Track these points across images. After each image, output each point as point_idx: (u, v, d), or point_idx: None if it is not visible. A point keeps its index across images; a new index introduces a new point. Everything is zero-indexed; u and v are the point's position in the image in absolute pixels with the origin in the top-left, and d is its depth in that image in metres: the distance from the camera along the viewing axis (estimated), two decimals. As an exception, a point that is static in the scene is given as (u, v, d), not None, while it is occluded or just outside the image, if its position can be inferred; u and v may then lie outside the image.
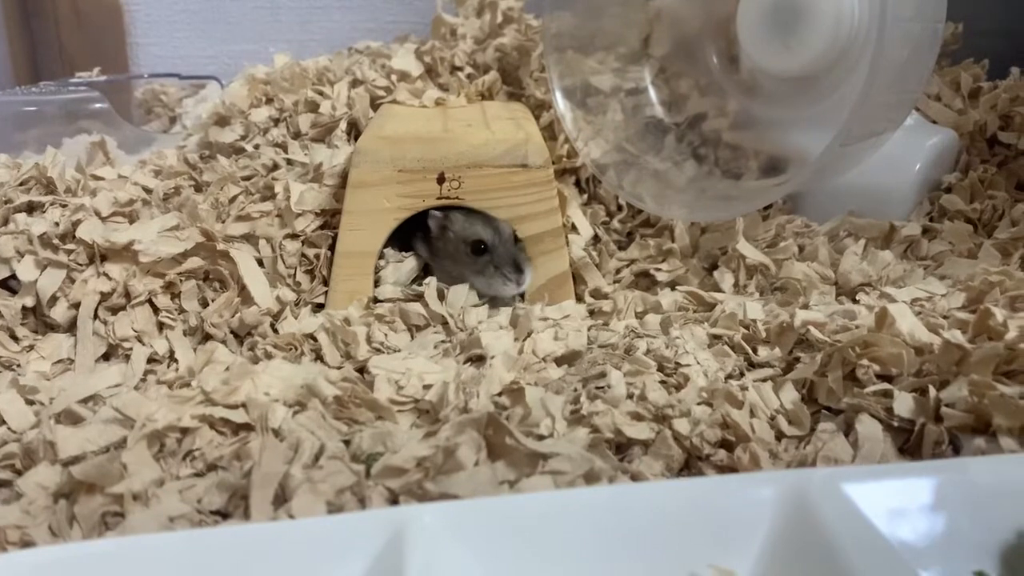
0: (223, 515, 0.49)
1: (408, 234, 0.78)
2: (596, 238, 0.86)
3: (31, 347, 0.67)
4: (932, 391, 0.52)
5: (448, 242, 0.76)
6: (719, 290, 0.76)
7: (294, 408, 0.56)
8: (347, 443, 0.53)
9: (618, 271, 0.83)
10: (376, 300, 0.74)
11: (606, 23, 0.97)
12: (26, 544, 0.45)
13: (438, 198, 0.75)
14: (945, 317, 0.60)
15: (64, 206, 0.72)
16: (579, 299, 0.78)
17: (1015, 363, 0.52)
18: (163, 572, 0.37)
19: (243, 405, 0.55)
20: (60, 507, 0.48)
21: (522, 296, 0.77)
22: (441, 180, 0.74)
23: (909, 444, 0.52)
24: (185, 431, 0.53)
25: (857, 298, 0.69)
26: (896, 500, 0.41)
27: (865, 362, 0.56)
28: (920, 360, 0.55)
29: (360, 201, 0.74)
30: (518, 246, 0.76)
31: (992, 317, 0.55)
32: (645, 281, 0.82)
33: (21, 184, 0.75)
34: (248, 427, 0.54)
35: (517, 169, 0.75)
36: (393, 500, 0.48)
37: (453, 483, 0.47)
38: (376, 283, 0.75)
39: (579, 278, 0.80)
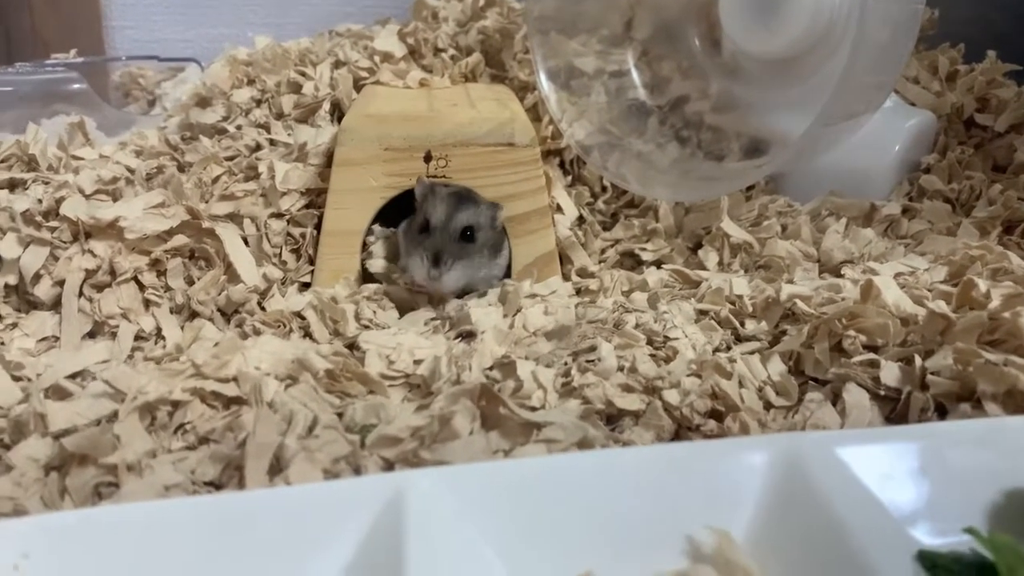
0: (216, 486, 0.48)
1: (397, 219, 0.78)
2: (581, 219, 0.86)
3: (14, 325, 0.66)
4: (918, 360, 0.53)
5: (421, 216, 0.72)
6: (704, 268, 0.77)
7: (285, 382, 0.55)
8: (340, 416, 0.53)
9: (603, 251, 0.84)
10: (367, 273, 0.74)
11: (588, 6, 0.97)
12: (19, 514, 0.45)
13: (425, 177, 0.74)
14: (929, 290, 0.61)
15: (47, 183, 0.72)
16: (565, 278, 0.79)
17: (998, 332, 0.53)
18: (168, 538, 0.37)
19: (234, 379, 0.55)
20: (51, 479, 0.48)
21: (510, 274, 0.77)
22: (428, 159, 0.74)
23: (895, 412, 0.53)
24: (176, 404, 0.53)
25: (842, 272, 0.70)
26: (887, 463, 0.42)
27: (852, 333, 0.56)
28: (905, 330, 0.56)
29: (346, 180, 0.74)
30: (469, 244, 0.71)
31: (975, 288, 0.56)
32: (630, 261, 0.83)
33: (2, 161, 0.74)
34: (239, 401, 0.54)
35: (503, 148, 0.75)
36: (388, 469, 0.48)
37: (448, 451, 0.48)
38: (368, 257, 0.75)
39: (565, 258, 0.81)
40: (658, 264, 0.80)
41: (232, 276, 0.71)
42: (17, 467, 0.47)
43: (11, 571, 0.37)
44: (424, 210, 0.71)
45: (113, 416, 0.51)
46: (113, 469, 0.47)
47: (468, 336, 0.65)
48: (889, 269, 0.67)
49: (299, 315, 0.68)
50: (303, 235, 0.77)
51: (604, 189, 0.90)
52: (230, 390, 0.54)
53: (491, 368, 0.59)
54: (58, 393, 0.56)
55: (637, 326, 0.63)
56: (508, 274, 0.77)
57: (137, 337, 0.66)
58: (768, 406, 0.56)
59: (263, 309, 0.69)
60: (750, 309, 0.65)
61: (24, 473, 0.47)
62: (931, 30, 1.10)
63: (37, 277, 0.67)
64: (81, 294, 0.67)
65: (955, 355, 0.52)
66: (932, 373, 0.52)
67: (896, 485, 0.42)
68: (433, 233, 0.69)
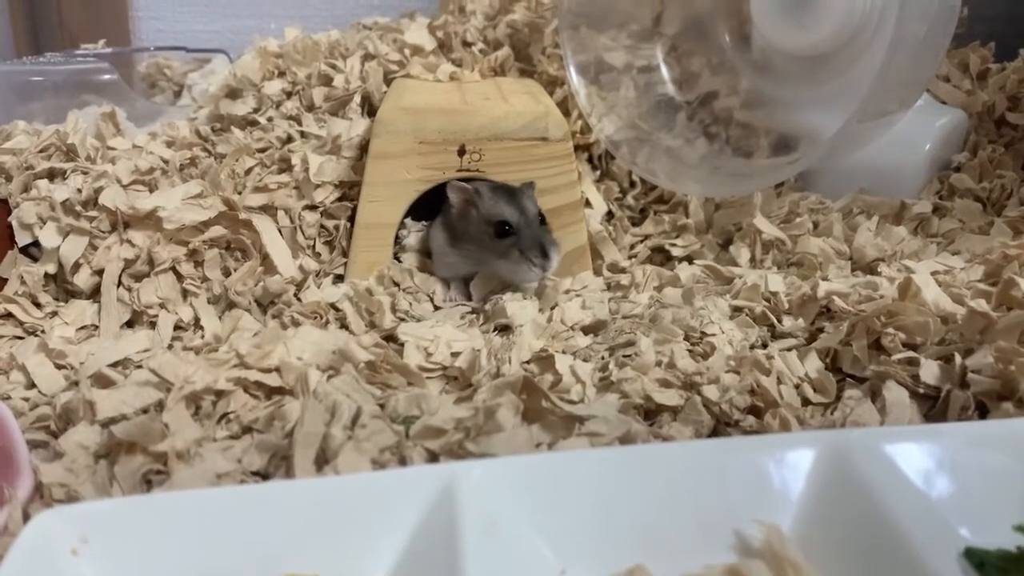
0: (263, 476, 0.49)
1: (428, 211, 0.78)
2: (610, 214, 0.87)
3: (54, 313, 0.67)
4: (958, 358, 0.53)
5: (471, 222, 0.73)
6: (735, 265, 0.77)
7: (327, 372, 0.56)
8: (382, 407, 0.53)
9: (633, 246, 0.84)
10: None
11: (618, 0, 0.97)
12: (72, 500, 0.45)
13: (458, 170, 0.75)
14: (967, 288, 0.61)
15: (85, 173, 0.72)
16: (596, 273, 0.79)
17: (1039, 332, 0.53)
18: (225, 525, 0.38)
19: (276, 369, 0.55)
20: (101, 466, 0.48)
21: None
22: (462, 152, 0.74)
23: (934, 410, 0.53)
24: (220, 394, 0.53)
25: (879, 270, 0.70)
26: (934, 460, 0.42)
27: (891, 330, 0.57)
28: (944, 329, 0.56)
29: (380, 172, 0.74)
30: (544, 227, 0.73)
31: (1016, 286, 0.56)
32: (659, 256, 0.83)
33: (41, 151, 0.75)
34: (281, 391, 0.55)
35: (537, 142, 0.75)
36: (432, 460, 0.48)
37: (492, 444, 0.48)
38: (401, 251, 0.76)
39: (595, 253, 0.81)
40: (688, 260, 0.80)
41: (268, 267, 0.71)
42: (68, 454, 0.48)
43: (69, 555, 0.38)
44: (485, 215, 0.71)
45: (158, 405, 0.52)
46: (162, 457, 0.48)
47: (504, 330, 0.65)
48: (925, 267, 0.67)
49: (335, 307, 0.68)
50: (336, 227, 0.77)
51: (633, 184, 0.91)
52: (272, 380, 0.55)
53: (528, 362, 0.60)
54: (101, 381, 0.57)
55: (673, 321, 0.63)
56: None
57: (176, 327, 0.66)
58: (806, 403, 0.56)
59: (299, 300, 0.70)
60: (786, 306, 0.65)
61: (75, 460, 0.48)
62: (961, 28, 1.09)
63: (76, 266, 0.68)
64: (120, 283, 0.68)
65: (996, 354, 0.52)
66: (972, 371, 0.52)
67: (943, 482, 0.42)
68: (519, 230, 0.70)
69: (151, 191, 0.74)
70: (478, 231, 0.72)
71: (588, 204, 0.85)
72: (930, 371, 0.54)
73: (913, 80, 0.78)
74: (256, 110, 0.92)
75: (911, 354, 0.55)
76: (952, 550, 0.37)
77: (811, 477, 0.42)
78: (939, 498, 0.41)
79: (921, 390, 0.54)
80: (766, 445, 0.43)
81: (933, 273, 0.66)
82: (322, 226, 0.77)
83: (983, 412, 0.52)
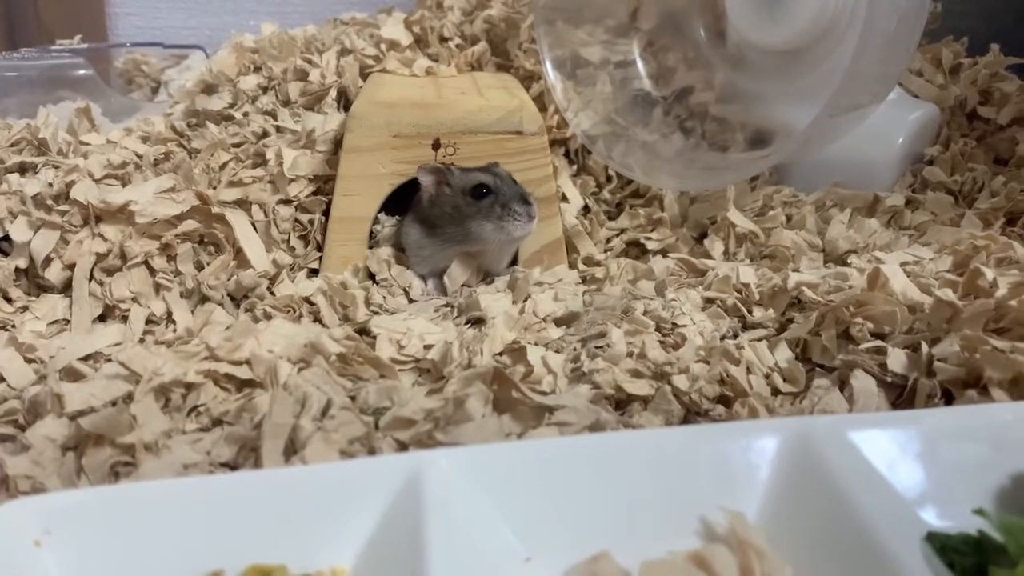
0: (231, 467, 0.49)
1: (403, 207, 0.78)
2: (586, 208, 0.87)
3: (25, 308, 0.67)
4: (924, 347, 0.54)
5: (444, 202, 0.73)
6: (709, 257, 0.78)
7: (298, 365, 0.56)
8: (352, 399, 0.53)
9: (608, 240, 0.84)
10: None
11: (594, -4, 0.97)
12: (38, 492, 0.45)
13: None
14: (935, 278, 0.62)
15: (57, 167, 0.72)
16: (571, 267, 0.79)
17: (1004, 320, 0.54)
18: (189, 516, 0.38)
19: (247, 362, 0.55)
20: (68, 459, 0.48)
21: (515, 261, 0.77)
22: (436, 146, 0.74)
23: (902, 398, 0.54)
24: (190, 386, 0.53)
25: (849, 261, 0.70)
26: (898, 446, 0.43)
27: (859, 320, 0.57)
28: (912, 318, 0.57)
29: (355, 166, 0.74)
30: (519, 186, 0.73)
31: (982, 276, 0.57)
32: (635, 250, 0.84)
33: (12, 145, 0.75)
34: (252, 383, 0.55)
35: (512, 136, 0.75)
36: (402, 451, 0.48)
37: (462, 434, 0.48)
38: (375, 245, 0.76)
39: (571, 246, 0.81)
40: (663, 253, 0.81)
41: (242, 261, 0.71)
42: (35, 446, 0.48)
43: (32, 547, 0.37)
44: (458, 185, 0.72)
45: (127, 397, 0.52)
46: (129, 449, 0.47)
47: (477, 322, 0.65)
48: (895, 258, 0.67)
49: (308, 300, 0.68)
50: (311, 221, 0.77)
51: (609, 179, 0.91)
52: (243, 373, 0.55)
53: (501, 353, 0.60)
54: (71, 375, 0.57)
55: (645, 313, 0.63)
56: (515, 261, 0.77)
57: (148, 321, 0.66)
58: (776, 392, 0.56)
59: (272, 294, 0.70)
60: (757, 297, 0.65)
61: (42, 452, 0.47)
62: (934, 23, 1.11)
63: (48, 260, 0.68)
64: (92, 278, 0.68)
65: (962, 342, 0.52)
66: (939, 360, 0.53)
67: (906, 468, 0.42)
68: (497, 189, 0.71)
69: (124, 186, 0.73)
70: (454, 206, 0.72)
71: (564, 198, 0.85)
72: (897, 360, 0.54)
73: (884, 74, 0.78)
74: (231, 105, 0.91)
75: (879, 343, 0.56)
76: (914, 535, 0.37)
77: (776, 464, 0.42)
78: (902, 483, 0.41)
79: (889, 379, 0.54)
80: (731, 432, 0.44)
81: (902, 264, 0.66)
82: (296, 220, 0.77)
83: (949, 399, 0.52)
